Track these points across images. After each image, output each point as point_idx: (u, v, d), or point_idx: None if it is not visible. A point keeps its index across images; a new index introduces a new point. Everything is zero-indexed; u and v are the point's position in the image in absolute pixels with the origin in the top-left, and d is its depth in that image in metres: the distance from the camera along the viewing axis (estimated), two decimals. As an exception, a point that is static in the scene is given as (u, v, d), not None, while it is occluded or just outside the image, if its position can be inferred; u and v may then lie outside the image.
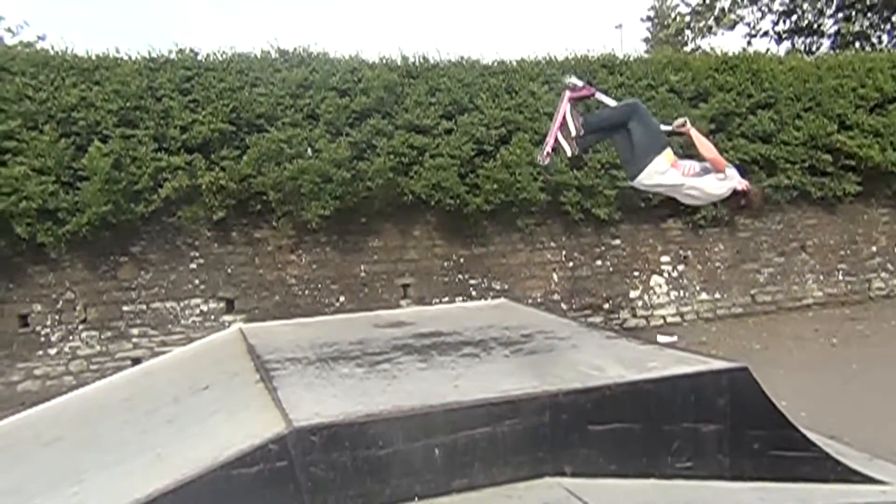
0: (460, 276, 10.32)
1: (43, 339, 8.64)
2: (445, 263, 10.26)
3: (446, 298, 10.17)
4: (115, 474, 3.42)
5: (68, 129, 8.28)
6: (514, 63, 10.46)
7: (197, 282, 9.19)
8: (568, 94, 4.47)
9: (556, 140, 4.41)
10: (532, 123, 10.00)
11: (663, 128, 4.38)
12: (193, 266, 9.19)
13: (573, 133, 4.36)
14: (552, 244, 10.77)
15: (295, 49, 9.49)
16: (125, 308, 8.96)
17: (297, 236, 9.50)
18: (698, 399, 3.66)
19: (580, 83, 4.50)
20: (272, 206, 9.12)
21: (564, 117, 4.40)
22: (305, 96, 9.19)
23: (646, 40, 34.24)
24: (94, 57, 8.75)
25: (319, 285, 9.69)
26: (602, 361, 4.00)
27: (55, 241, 8.20)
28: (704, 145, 4.32)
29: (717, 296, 11.54)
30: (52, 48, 8.87)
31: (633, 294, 11.14)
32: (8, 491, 3.72)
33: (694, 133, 4.34)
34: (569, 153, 4.45)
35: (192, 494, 2.84)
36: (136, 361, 8.51)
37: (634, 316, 11.11)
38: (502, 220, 10.24)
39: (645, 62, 11.14)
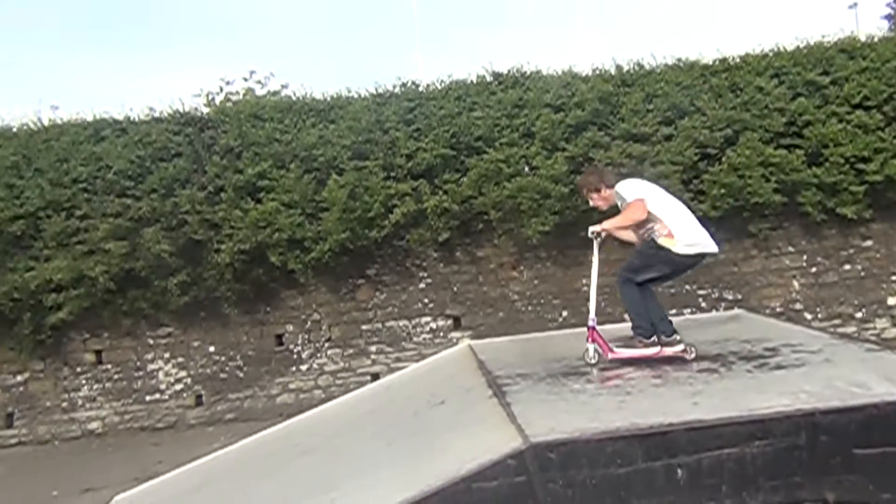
0: (688, 287, 9.84)
1: (295, 356, 9.54)
2: (671, 275, 9.83)
3: (673, 311, 9.71)
4: (366, 483, 3.66)
5: (310, 166, 9.13)
6: (738, 59, 9.85)
7: (426, 300, 9.65)
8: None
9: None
10: (761, 121, 9.33)
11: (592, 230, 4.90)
12: (422, 286, 9.66)
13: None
14: (790, 249, 9.92)
15: (509, 71, 9.72)
16: (363, 327, 9.63)
17: (518, 253, 9.64)
18: None
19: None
20: (493, 225, 9.34)
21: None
22: (521, 115, 9.34)
23: (888, 17, 30.51)
24: (328, 98, 9.63)
25: (542, 300, 9.73)
26: (865, 377, 3.59)
27: (303, 267, 9.03)
28: (621, 229, 4.95)
29: None
30: (294, 94, 9.91)
31: (891, 301, 9.90)
32: (275, 496, 4.13)
33: (613, 223, 4.87)
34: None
35: (438, 505, 2.96)
36: (375, 376, 9.11)
37: (895, 325, 9.87)
38: (732, 226, 9.62)
39: (893, 42, 9.94)
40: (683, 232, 4.77)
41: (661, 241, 4.79)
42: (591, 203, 5.30)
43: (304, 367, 9.52)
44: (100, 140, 9.24)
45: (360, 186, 8.96)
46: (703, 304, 9.78)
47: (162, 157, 9.09)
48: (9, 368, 9.25)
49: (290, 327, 9.55)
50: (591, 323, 4.75)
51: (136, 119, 9.47)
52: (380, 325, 9.63)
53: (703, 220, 5.31)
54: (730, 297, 9.78)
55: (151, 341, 9.40)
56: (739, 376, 3.97)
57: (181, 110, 9.52)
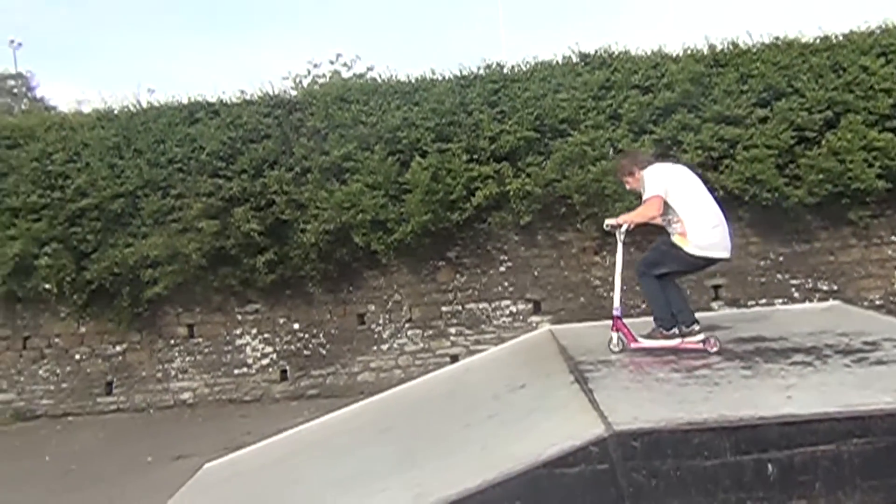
0: (779, 276, 9.45)
1: (377, 335, 9.69)
2: (762, 262, 9.48)
3: (763, 300, 9.39)
4: (445, 463, 3.69)
5: (394, 148, 9.20)
6: (841, 37, 9.32)
7: (506, 284, 9.62)
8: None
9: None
10: (865, 103, 8.83)
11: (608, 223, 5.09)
12: (503, 269, 9.63)
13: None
14: (893, 238, 9.38)
15: (596, 51, 9.50)
16: (443, 308, 9.68)
17: (600, 238, 9.46)
18: None
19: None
20: (576, 209, 9.19)
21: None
22: (607, 97, 9.14)
23: None
24: (413, 80, 9.65)
25: (624, 287, 9.51)
26: (979, 376, 3.38)
27: (385, 248, 9.14)
28: (641, 217, 4.91)
29: None
30: (379, 76, 10.00)
31: None
32: (357, 472, 4.21)
33: (629, 217, 4.96)
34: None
35: (517, 488, 2.96)
36: (454, 358, 9.17)
37: None
38: (830, 213, 9.18)
39: None
40: (697, 234, 4.78)
41: (675, 239, 4.86)
42: (628, 187, 5.43)
43: (384, 347, 9.66)
44: (194, 122, 9.57)
45: (442, 169, 8.98)
46: (796, 295, 9.38)
47: (252, 138, 9.35)
48: (108, 339, 9.77)
49: (371, 307, 9.70)
50: (616, 313, 4.92)
51: (228, 102, 9.74)
52: (459, 308, 9.66)
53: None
54: (825, 288, 9.35)
55: (240, 317, 9.73)
56: (836, 371, 3.80)
57: (271, 93, 9.75)
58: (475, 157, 9.11)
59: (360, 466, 4.33)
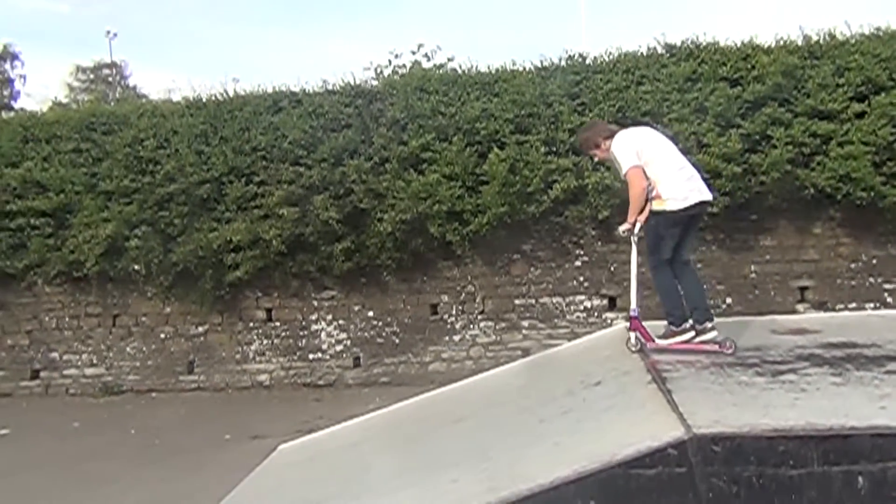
0: (871, 280, 9.00)
1: (449, 326, 9.71)
2: (852, 265, 9.04)
3: (853, 304, 8.96)
4: (517, 457, 3.67)
5: (472, 139, 9.17)
6: (949, 28, 8.78)
7: (581, 279, 9.48)
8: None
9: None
10: (977, 97, 8.29)
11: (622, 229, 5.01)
12: (578, 264, 9.49)
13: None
14: None
15: (682, 42, 9.23)
16: (517, 301, 9.62)
17: (681, 234, 9.21)
18: None
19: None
20: (656, 205, 8.97)
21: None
22: (693, 90, 8.86)
23: None
24: (493, 71, 9.60)
25: (706, 285, 9.25)
26: None
27: (460, 239, 9.14)
28: (637, 201, 4.83)
29: None
30: (459, 67, 9.99)
31: None
32: (428, 461, 4.23)
33: (632, 213, 4.88)
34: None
35: (591, 487, 2.91)
36: (526, 352, 9.10)
37: None
38: (930, 215, 8.68)
39: None
40: (670, 189, 4.75)
41: (655, 207, 4.82)
42: (596, 159, 5.69)
43: (456, 338, 9.68)
44: (277, 111, 9.78)
45: (520, 160, 8.91)
46: (889, 300, 8.93)
47: (333, 127, 9.48)
48: (192, 320, 10.12)
49: (445, 297, 9.72)
50: (633, 313, 4.92)
51: (311, 91, 9.91)
52: (533, 301, 9.59)
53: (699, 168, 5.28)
54: (922, 294, 8.86)
55: (316, 303, 9.92)
56: (937, 382, 3.58)
57: (352, 83, 9.87)
58: (554, 149, 9.00)
59: (431, 456, 4.35)
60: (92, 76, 36.95)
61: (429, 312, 9.77)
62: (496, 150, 8.95)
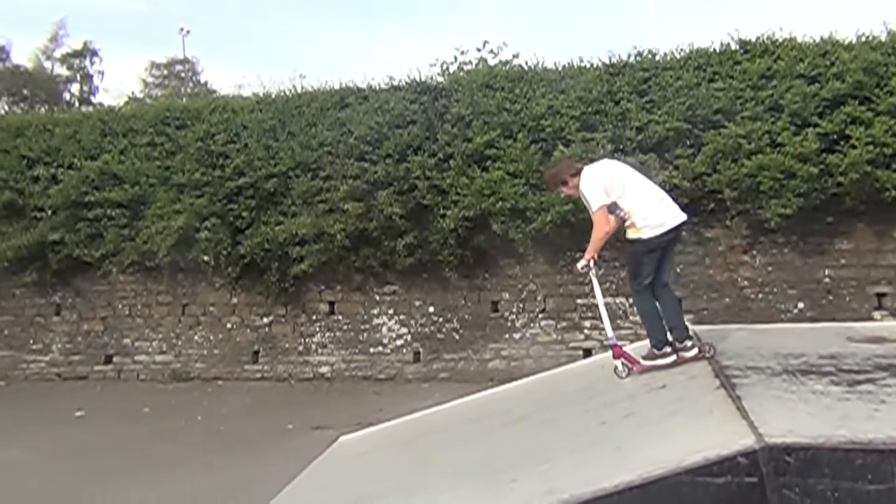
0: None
1: (510, 324, 9.66)
2: (938, 272, 8.63)
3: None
4: (578, 460, 3.60)
5: (537, 136, 9.10)
6: None
7: (646, 280, 9.28)
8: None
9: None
10: None
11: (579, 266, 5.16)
12: (644, 264, 9.30)
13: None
14: None
15: (758, 38, 8.95)
16: (579, 301, 9.50)
17: (751, 236, 8.96)
18: None
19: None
20: (726, 205, 8.73)
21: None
22: (768, 87, 8.59)
23: None
24: (560, 68, 9.51)
25: (775, 289, 8.98)
26: None
27: (523, 237, 9.08)
28: (598, 241, 4.93)
29: None
30: (526, 64, 9.91)
31: None
32: (487, 460, 4.20)
33: (591, 250, 5.00)
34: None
35: (657, 494, 2.83)
36: (588, 352, 9.00)
37: None
38: None
39: None
40: (644, 217, 4.82)
41: (630, 235, 4.90)
42: (563, 195, 5.77)
43: (517, 336, 9.62)
44: (344, 107, 9.90)
45: (586, 158, 8.76)
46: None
47: (398, 123, 9.54)
48: (257, 311, 10.35)
49: (506, 295, 9.68)
50: (611, 342, 5.07)
51: (377, 87, 10.00)
52: (595, 302, 9.44)
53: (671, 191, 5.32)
54: None
55: (378, 297, 10.01)
56: None
57: (418, 79, 9.91)
58: (621, 147, 8.84)
59: (490, 455, 4.32)
60: (165, 72, 38.12)
61: (489, 310, 9.74)
62: (561, 147, 8.86)
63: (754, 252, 9.03)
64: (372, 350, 10.01)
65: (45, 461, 6.82)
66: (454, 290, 9.77)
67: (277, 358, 10.26)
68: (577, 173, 5.05)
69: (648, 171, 5.30)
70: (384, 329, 9.99)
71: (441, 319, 9.84)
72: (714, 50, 9.09)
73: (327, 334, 10.15)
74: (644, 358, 4.93)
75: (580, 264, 5.09)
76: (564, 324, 9.52)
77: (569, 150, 8.75)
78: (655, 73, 9.06)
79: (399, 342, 9.95)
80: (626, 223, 4.87)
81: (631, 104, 8.90)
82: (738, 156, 8.43)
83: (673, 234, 4.90)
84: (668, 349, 4.86)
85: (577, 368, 6.05)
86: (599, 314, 5.38)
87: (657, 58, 9.22)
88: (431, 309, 9.85)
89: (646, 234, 4.81)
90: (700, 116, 8.72)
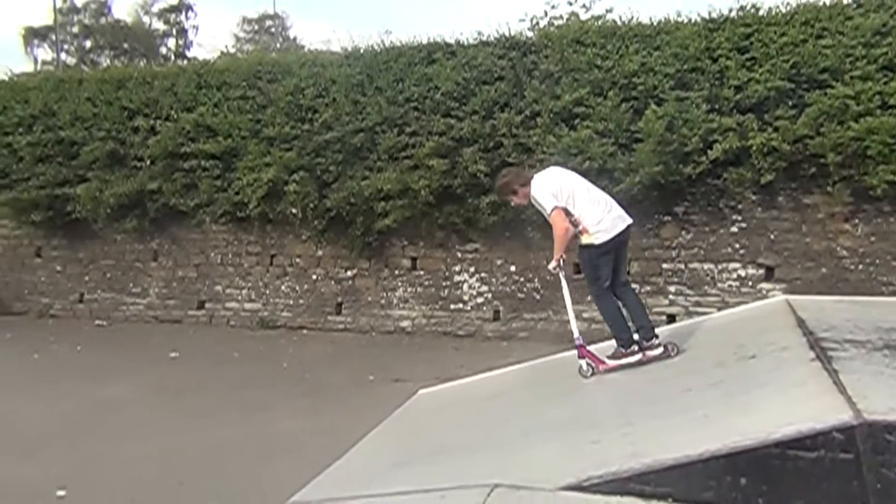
0: None
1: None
2: None
3: None
4: (662, 426, 3.55)
5: (628, 94, 8.81)
6: None
7: (737, 246, 8.97)
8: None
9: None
10: None
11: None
12: (734, 230, 8.98)
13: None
14: None
15: (876, -9, 8.34)
16: (664, 265, 9.27)
17: (854, 204, 8.47)
18: None
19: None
20: (828, 170, 8.27)
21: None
22: (882, 45, 8.00)
23: None
24: (655, 23, 9.12)
25: (878, 260, 8.51)
26: None
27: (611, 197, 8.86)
28: (561, 240, 5.14)
29: None
30: (619, 18, 9.58)
31: None
32: (568, 419, 4.20)
33: (557, 250, 5.19)
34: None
35: (744, 465, 2.76)
36: (672, 318, 8.79)
37: None
38: None
39: None
40: (593, 223, 5.08)
41: (583, 241, 5.17)
42: (512, 204, 5.79)
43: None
44: (431, 62, 9.82)
45: (679, 118, 8.46)
46: None
47: (485, 80, 9.41)
48: (341, 264, 10.57)
49: (589, 256, 9.52)
50: (577, 341, 5.21)
51: (465, 43, 9.87)
52: (682, 266, 9.19)
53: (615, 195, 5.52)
54: None
55: (459, 255, 10.04)
56: None
57: (506, 35, 9.72)
58: (717, 107, 8.47)
59: (571, 414, 4.32)
60: (256, 27, 38.84)
61: (572, 271, 9.54)
62: (653, 106, 8.55)
63: (856, 220, 8.55)
64: (452, 307, 10.08)
65: (144, 398, 7.25)
66: (536, 249, 9.67)
67: (360, 310, 10.48)
68: (527, 182, 5.33)
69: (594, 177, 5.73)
70: (465, 286, 10.03)
71: (522, 279, 9.80)
72: (824, 4, 8.50)
73: (409, 289, 10.28)
74: (610, 357, 5.15)
75: (551, 265, 5.29)
76: (648, 288, 9.31)
77: (661, 110, 8.46)
78: (758, 28, 8.56)
79: (479, 300, 9.98)
80: (578, 228, 5.12)
81: (730, 62, 8.46)
82: (844, 118, 7.93)
83: (624, 236, 5.23)
84: (635, 347, 5.08)
85: (663, 334, 5.91)
86: (567, 314, 5.60)
87: (761, 12, 8.70)
88: (513, 268, 9.82)
89: (597, 238, 5.08)
90: (805, 75, 8.24)
